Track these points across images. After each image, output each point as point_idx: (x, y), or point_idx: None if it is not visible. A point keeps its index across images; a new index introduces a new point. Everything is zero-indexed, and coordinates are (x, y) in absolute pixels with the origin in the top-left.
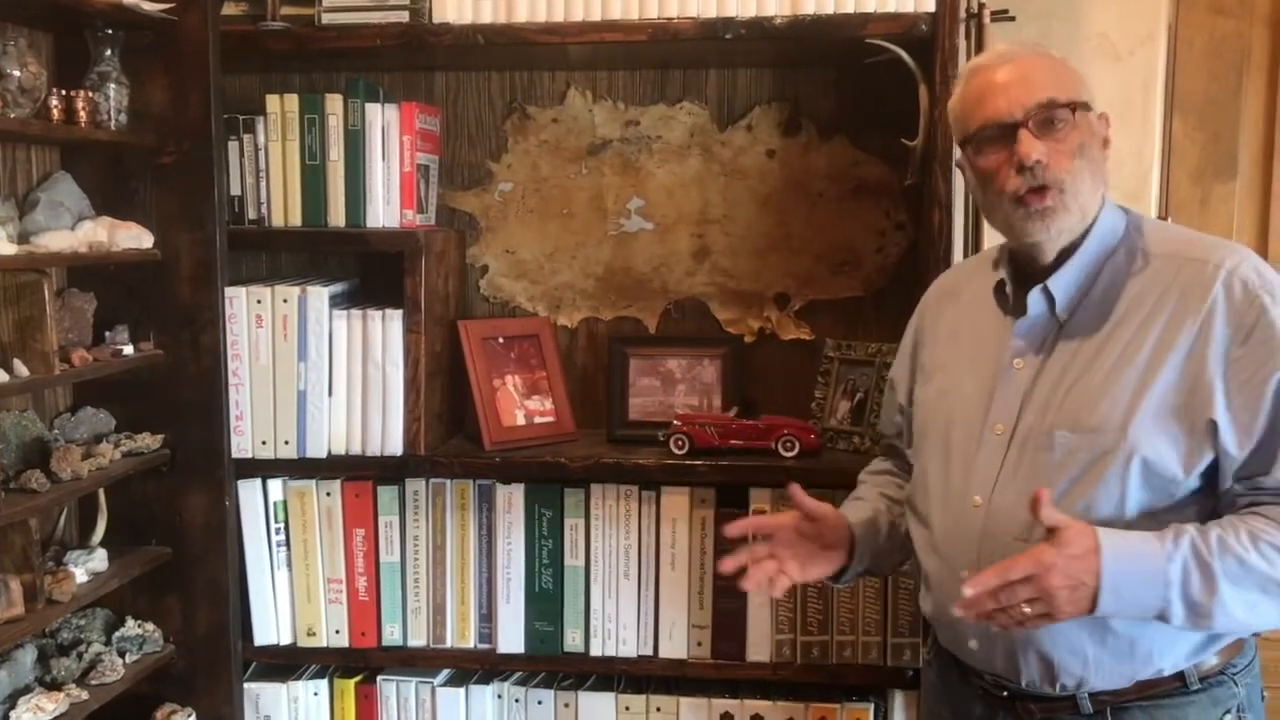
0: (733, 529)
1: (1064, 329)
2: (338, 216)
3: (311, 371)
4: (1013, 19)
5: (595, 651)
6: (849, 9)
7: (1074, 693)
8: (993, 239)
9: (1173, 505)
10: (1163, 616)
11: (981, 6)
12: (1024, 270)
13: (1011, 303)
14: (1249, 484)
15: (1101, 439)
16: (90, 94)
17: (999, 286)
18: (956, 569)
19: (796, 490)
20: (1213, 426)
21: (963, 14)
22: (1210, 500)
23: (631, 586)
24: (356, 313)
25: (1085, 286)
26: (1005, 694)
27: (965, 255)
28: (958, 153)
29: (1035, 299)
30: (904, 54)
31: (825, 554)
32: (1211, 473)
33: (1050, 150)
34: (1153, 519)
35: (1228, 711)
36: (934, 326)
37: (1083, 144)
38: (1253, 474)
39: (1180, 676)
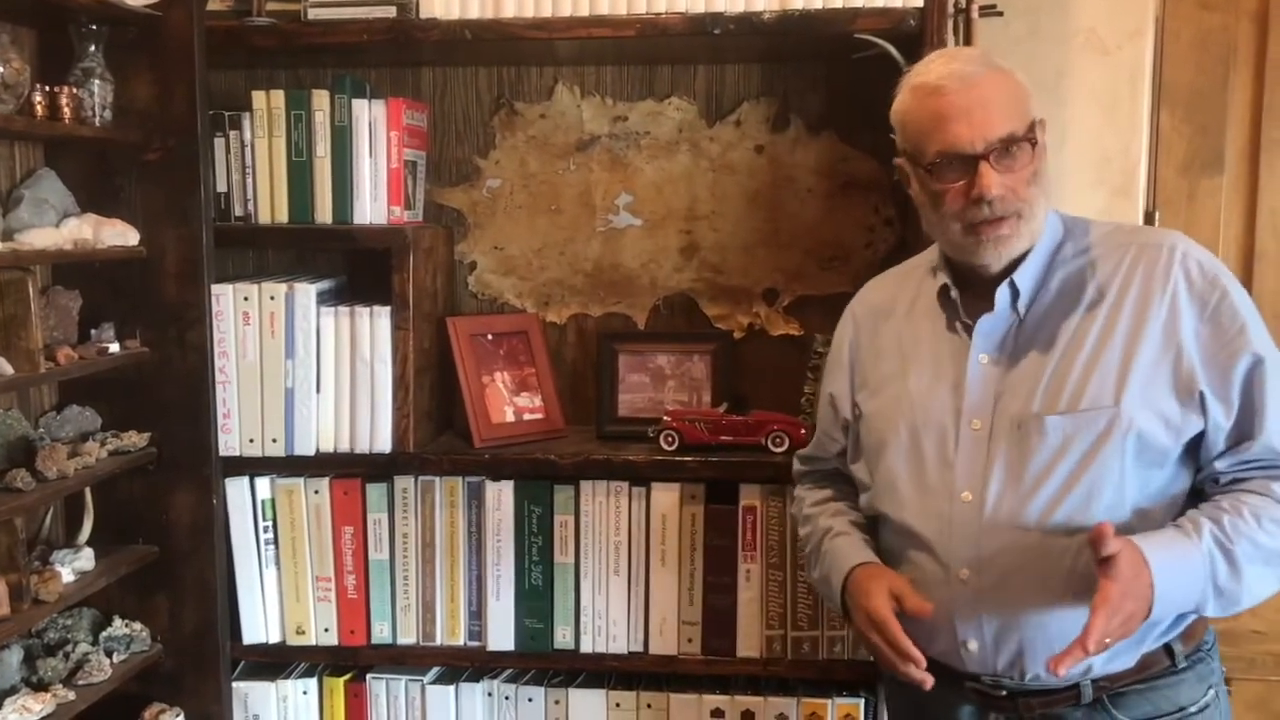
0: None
1: (1024, 323)
2: (325, 213)
3: (299, 369)
4: (1000, 14)
5: (585, 648)
6: (837, 4)
7: (1079, 680)
8: None
9: (1163, 479)
10: (1198, 608)
11: (969, 1)
12: (966, 277)
13: (961, 306)
14: (1233, 455)
15: (1096, 419)
16: (74, 90)
17: (943, 292)
18: (954, 568)
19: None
20: (1202, 397)
21: (951, 9)
22: (1191, 470)
23: (621, 583)
24: (344, 310)
25: (1040, 280)
26: (1004, 693)
27: None
28: (904, 163)
29: (1002, 293)
30: (892, 49)
31: None
32: (1194, 444)
33: (1008, 181)
34: (1146, 493)
35: (1210, 687)
36: (871, 341)
37: (1036, 171)
38: (1238, 441)
39: (1170, 654)
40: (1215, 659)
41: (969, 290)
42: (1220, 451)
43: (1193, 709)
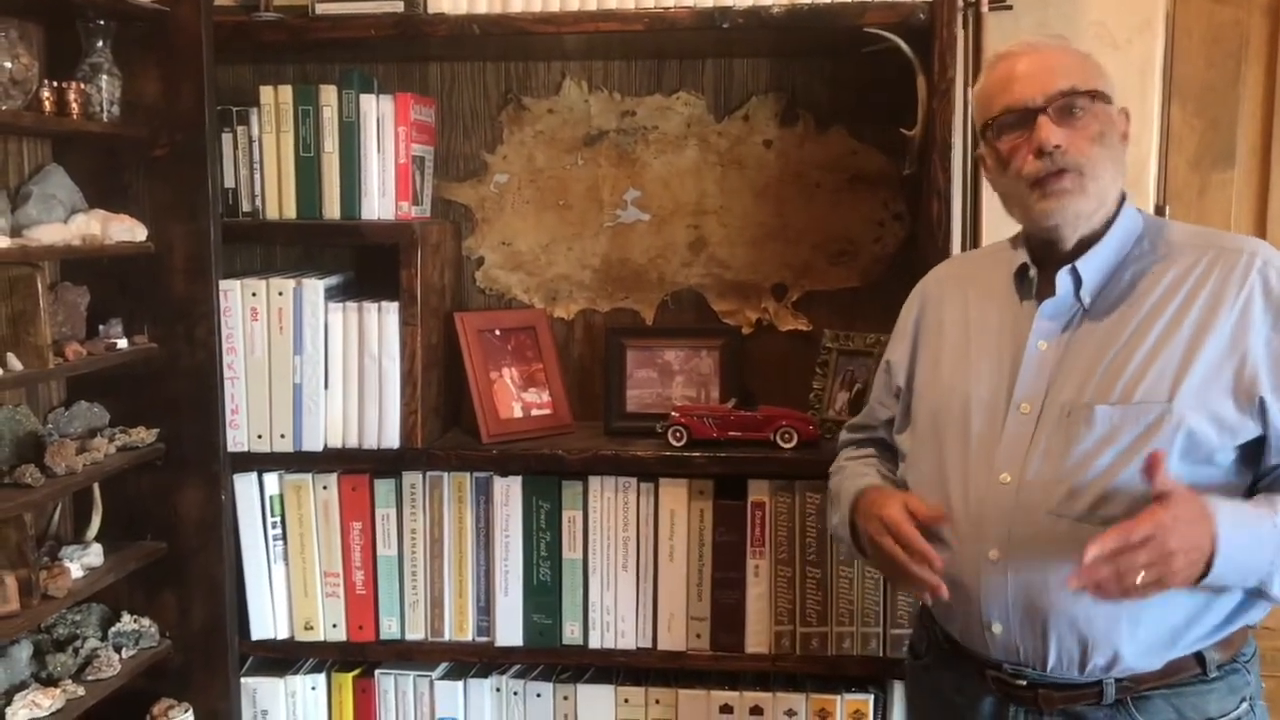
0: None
1: (1088, 312)
2: (333, 209)
3: (307, 364)
4: (1010, 8)
5: (594, 644)
6: None
7: (1101, 677)
8: (991, 229)
9: (1210, 477)
10: (1263, 586)
11: None
12: (1043, 258)
13: (1036, 286)
14: None
15: (1147, 412)
16: (82, 86)
17: (1021, 270)
18: (983, 549)
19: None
20: (1263, 405)
21: (960, 3)
22: (1247, 475)
23: (630, 578)
24: (352, 305)
25: (1110, 272)
26: (1024, 683)
27: (963, 246)
28: (981, 145)
29: (1063, 279)
30: (902, 43)
31: None
32: (1248, 448)
33: (1069, 136)
34: (1199, 479)
35: (1244, 700)
36: (937, 314)
37: (1101, 132)
38: None
39: (1201, 663)
40: (1253, 672)
41: (1044, 274)
42: None
43: None
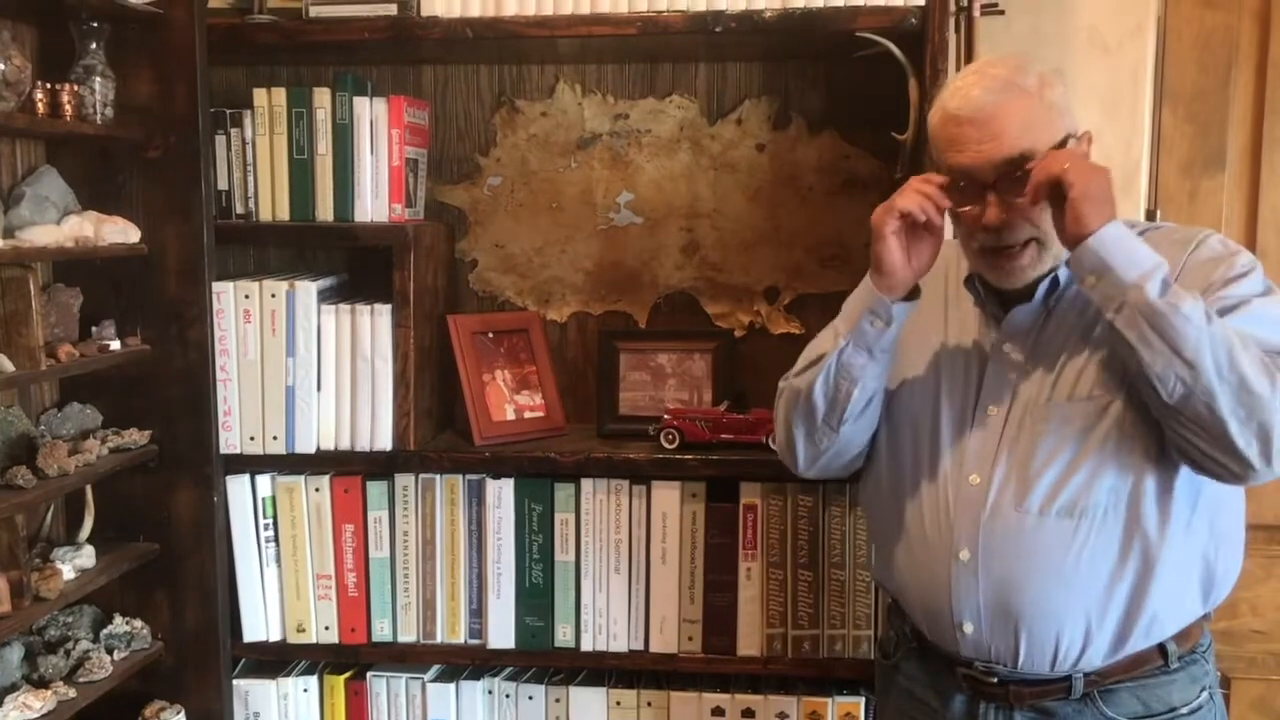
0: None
1: (1051, 314)
2: (326, 211)
3: (300, 366)
4: (1001, 12)
5: (586, 646)
6: (839, 2)
7: (1070, 672)
8: None
9: (1161, 452)
10: (1141, 281)
11: (971, 0)
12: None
13: (984, 295)
14: None
15: (1098, 405)
16: (75, 87)
17: (970, 280)
18: (954, 550)
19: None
20: None
21: (952, 7)
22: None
23: (622, 581)
24: (345, 307)
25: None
26: (995, 680)
27: None
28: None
29: (1042, 287)
30: (894, 47)
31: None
32: None
33: (1020, 207)
34: (1150, 458)
35: (1204, 689)
36: None
37: None
38: None
39: (1164, 655)
40: (1210, 662)
41: (994, 290)
42: None
43: (1184, 710)
